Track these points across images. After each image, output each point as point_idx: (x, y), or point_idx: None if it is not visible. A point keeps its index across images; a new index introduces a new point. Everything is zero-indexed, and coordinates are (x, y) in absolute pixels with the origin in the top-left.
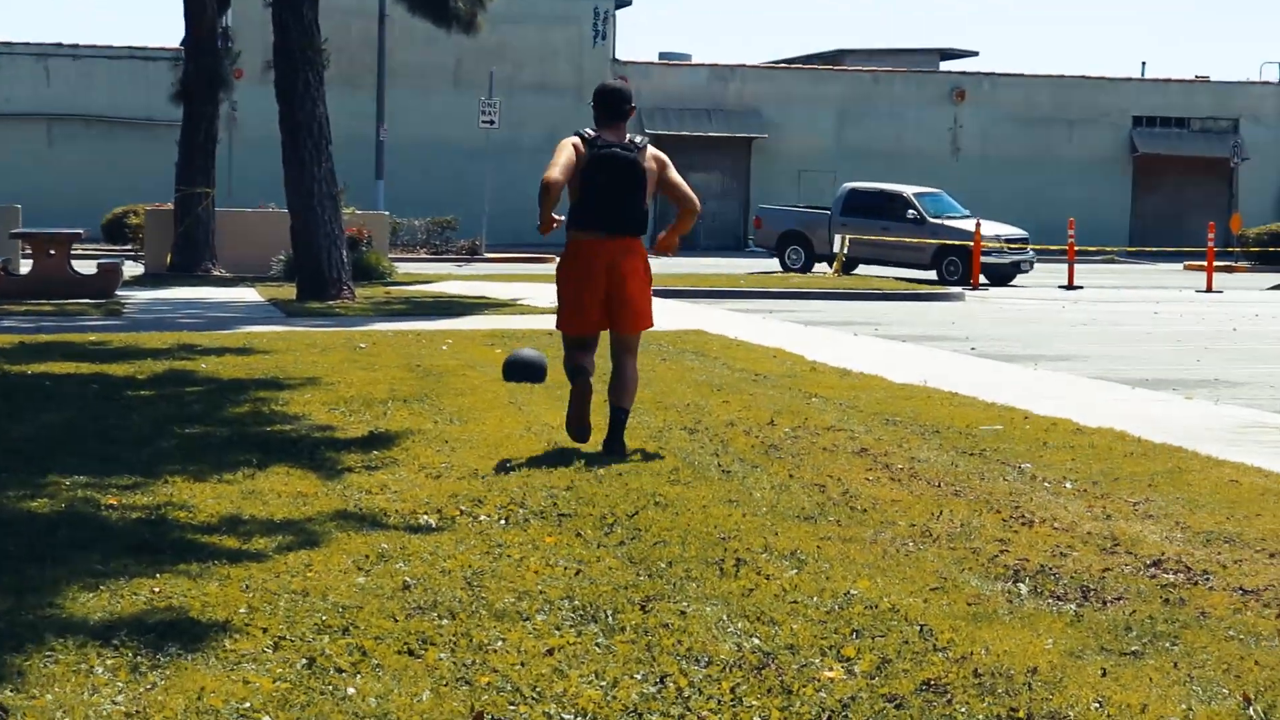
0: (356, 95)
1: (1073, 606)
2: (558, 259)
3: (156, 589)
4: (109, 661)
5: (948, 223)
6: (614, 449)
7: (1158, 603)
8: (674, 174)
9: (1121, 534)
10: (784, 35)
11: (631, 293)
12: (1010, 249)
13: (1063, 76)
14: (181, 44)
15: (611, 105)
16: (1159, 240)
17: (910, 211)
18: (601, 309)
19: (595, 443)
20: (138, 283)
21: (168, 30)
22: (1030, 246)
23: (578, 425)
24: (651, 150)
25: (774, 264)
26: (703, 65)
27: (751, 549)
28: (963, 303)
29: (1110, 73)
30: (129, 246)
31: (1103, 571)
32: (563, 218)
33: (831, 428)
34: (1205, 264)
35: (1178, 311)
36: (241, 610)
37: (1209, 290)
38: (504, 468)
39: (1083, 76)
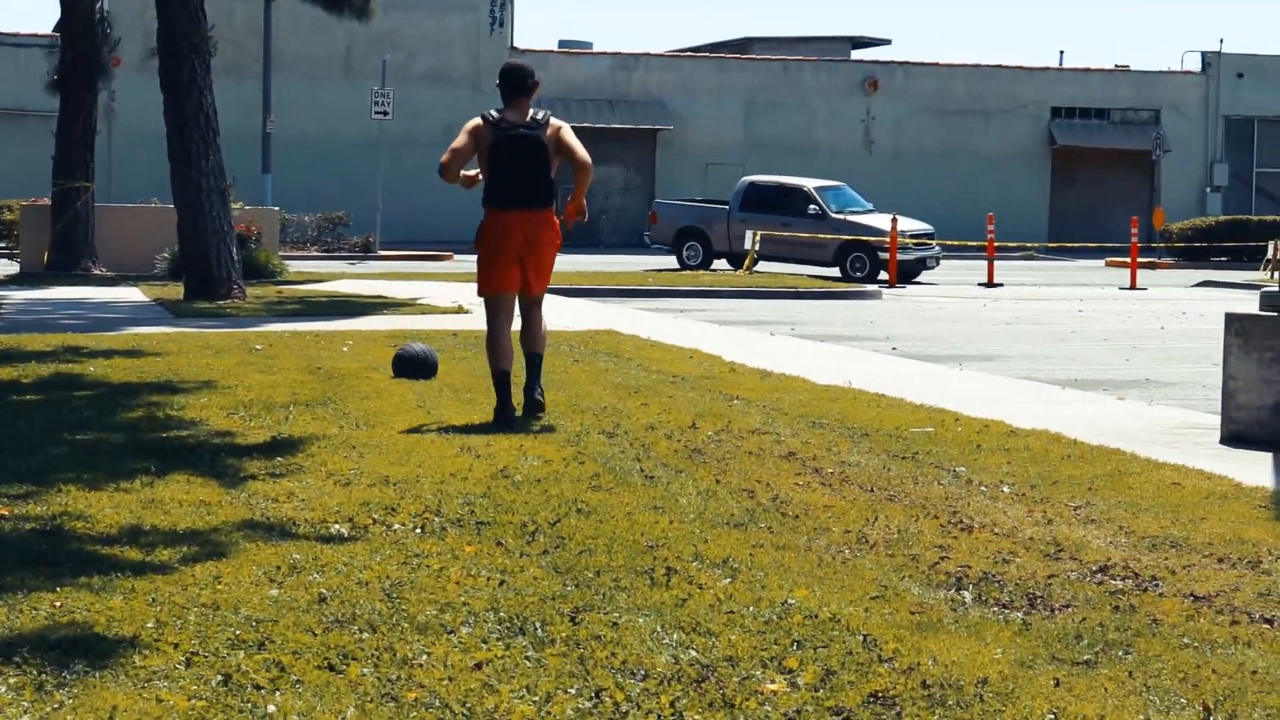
0: (242, 85)
1: (1020, 615)
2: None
3: (58, 603)
4: (12, 680)
5: (851, 218)
6: (533, 397)
7: (1107, 610)
8: (568, 136)
9: (1065, 539)
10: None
11: (544, 261)
12: (916, 245)
13: (979, 66)
14: (56, 29)
15: (512, 83)
16: (1080, 235)
17: (812, 206)
18: (518, 274)
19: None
20: (13, 282)
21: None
22: (938, 242)
23: (504, 414)
24: (553, 121)
25: (673, 261)
26: (605, 54)
27: (682, 557)
28: (879, 301)
29: (1028, 62)
30: (2, 244)
31: (1048, 578)
32: (475, 173)
33: (756, 431)
34: (1129, 260)
35: (1102, 309)
36: (150, 625)
37: (1133, 287)
38: (416, 474)
39: (999, 66)
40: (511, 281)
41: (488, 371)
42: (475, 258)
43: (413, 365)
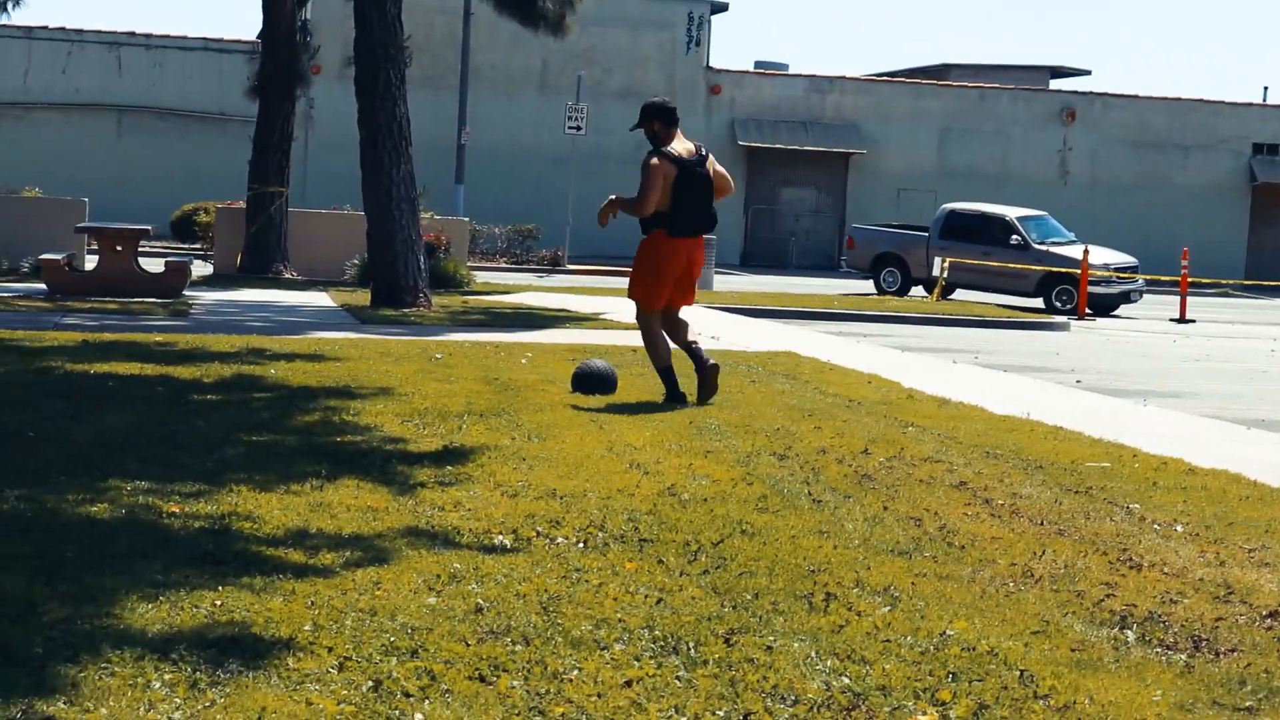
0: (438, 97)
1: (1183, 657)
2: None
3: (218, 602)
4: (167, 676)
5: (1054, 249)
6: (706, 376)
7: (1275, 656)
8: (717, 165)
9: (1236, 582)
10: (886, 47)
11: (695, 276)
12: (1120, 278)
13: (1179, 99)
14: (258, 37)
15: (673, 115)
16: (1278, 275)
17: (1014, 236)
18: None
19: (689, 448)
20: (206, 283)
21: (244, 22)
22: (1140, 276)
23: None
24: (708, 154)
25: (868, 286)
26: (800, 76)
27: (842, 583)
28: (1068, 333)
29: (1229, 97)
30: (198, 245)
31: (1215, 621)
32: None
33: (929, 459)
34: None
35: None
36: (306, 628)
37: None
38: (583, 488)
39: (1200, 100)
40: (666, 297)
41: (661, 390)
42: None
43: (593, 382)
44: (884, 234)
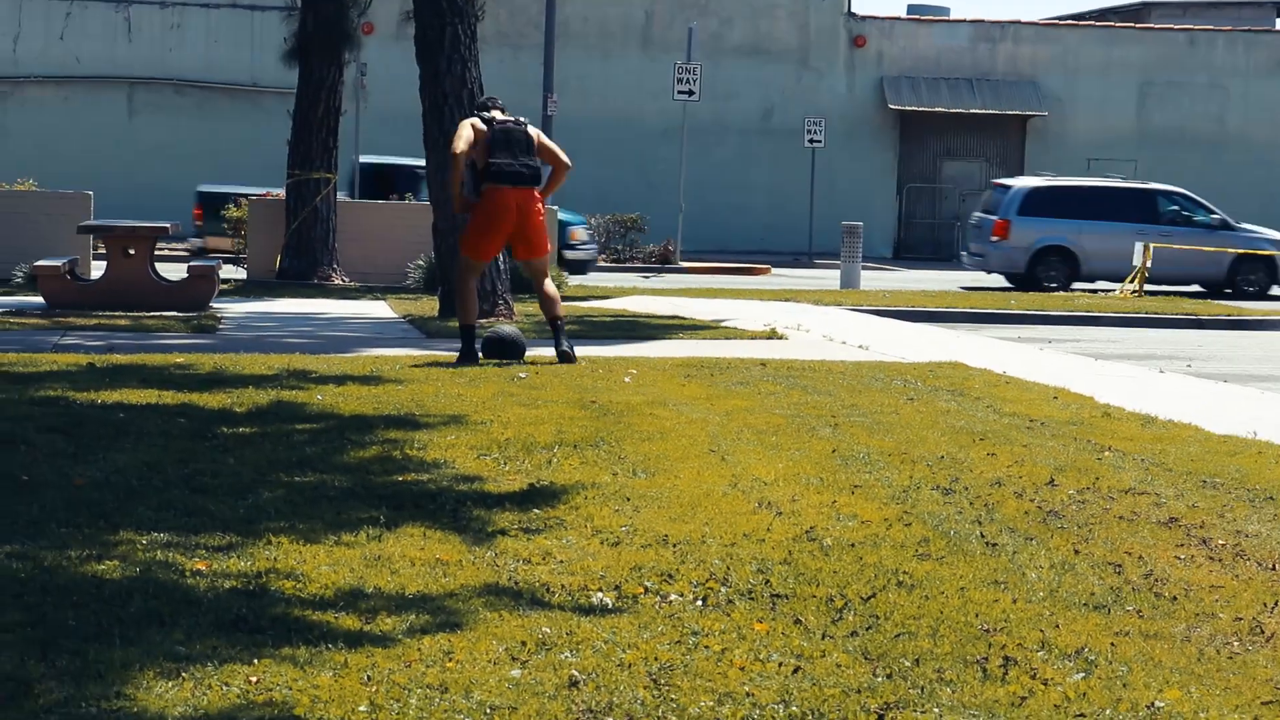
0: (519, 58)
1: None
2: (762, 268)
3: (254, 678)
4: None
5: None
6: (560, 360)
7: None
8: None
9: None
10: None
11: (532, 226)
12: None
13: None
14: None
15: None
16: None
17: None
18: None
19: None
20: (238, 291)
21: None
22: None
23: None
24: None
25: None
26: (964, 22)
27: (1024, 645)
28: None
29: None
30: (228, 245)
31: None
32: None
33: (1130, 490)
34: None
35: None
36: (362, 708)
37: None
38: (701, 533)
39: None
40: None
41: (799, 410)
42: (787, 271)
43: (500, 348)
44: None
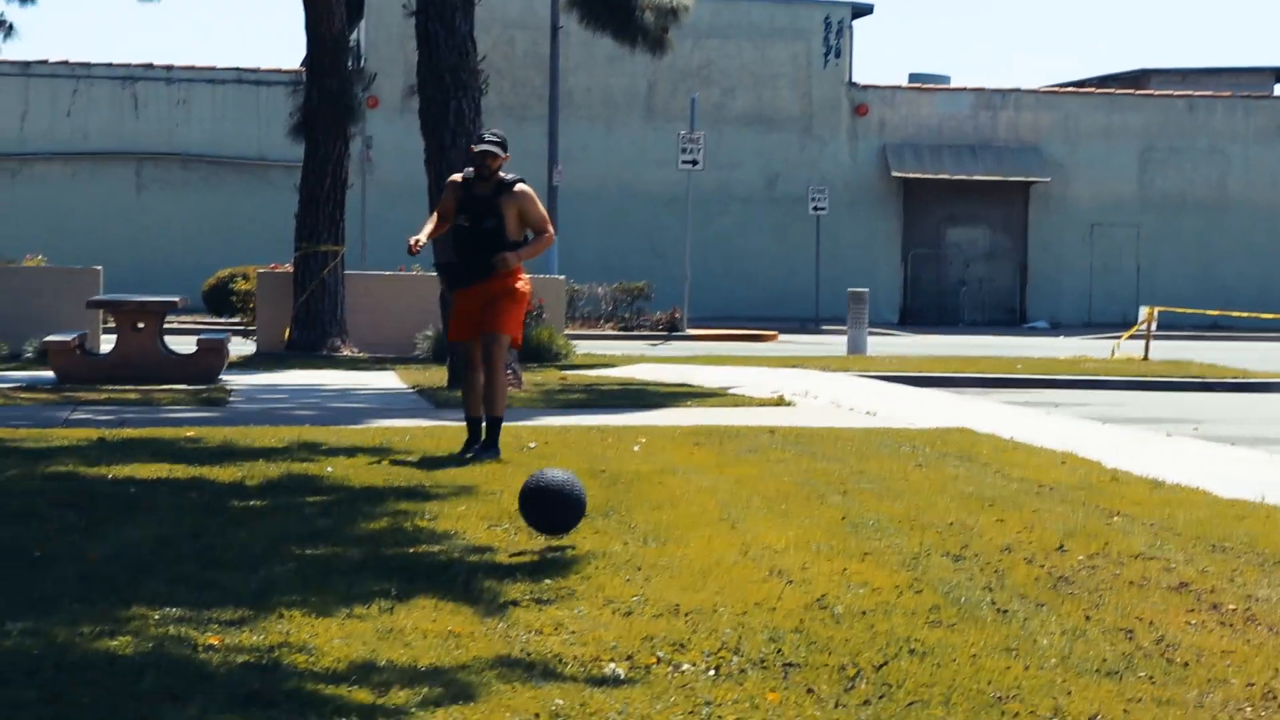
0: (523, 129)
1: None
2: (769, 335)
3: None
4: None
5: None
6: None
7: None
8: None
9: None
10: (1068, 55)
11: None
12: None
13: None
14: (302, 64)
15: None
16: None
17: None
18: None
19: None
20: (247, 364)
21: (284, 48)
22: None
23: None
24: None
25: (1056, 342)
26: (965, 90)
27: (1037, 713)
28: None
29: None
30: (236, 319)
31: None
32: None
33: (1140, 555)
34: None
35: None
36: None
37: None
38: (713, 602)
39: None
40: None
41: (809, 477)
42: (794, 337)
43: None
44: None
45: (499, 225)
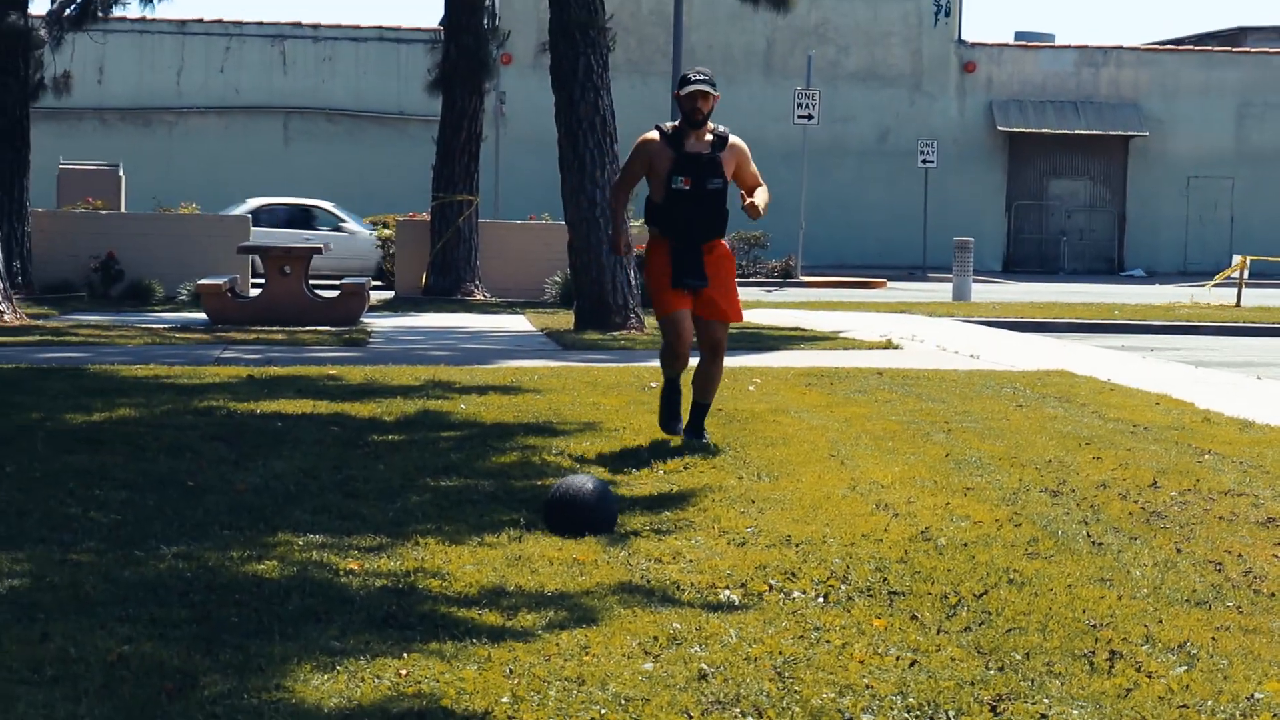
0: (648, 84)
1: None
2: (878, 282)
3: (403, 671)
4: None
5: None
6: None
7: None
8: None
9: None
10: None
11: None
12: None
13: None
14: (440, 24)
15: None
16: None
17: None
18: None
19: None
20: (387, 307)
21: (423, 8)
22: None
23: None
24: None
25: (1155, 290)
26: (1068, 47)
27: (1129, 640)
28: None
29: None
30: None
31: None
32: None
33: (1230, 492)
34: None
35: None
36: (504, 700)
37: None
38: (822, 534)
39: None
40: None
41: (914, 417)
42: (902, 284)
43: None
44: None
45: (725, 186)
